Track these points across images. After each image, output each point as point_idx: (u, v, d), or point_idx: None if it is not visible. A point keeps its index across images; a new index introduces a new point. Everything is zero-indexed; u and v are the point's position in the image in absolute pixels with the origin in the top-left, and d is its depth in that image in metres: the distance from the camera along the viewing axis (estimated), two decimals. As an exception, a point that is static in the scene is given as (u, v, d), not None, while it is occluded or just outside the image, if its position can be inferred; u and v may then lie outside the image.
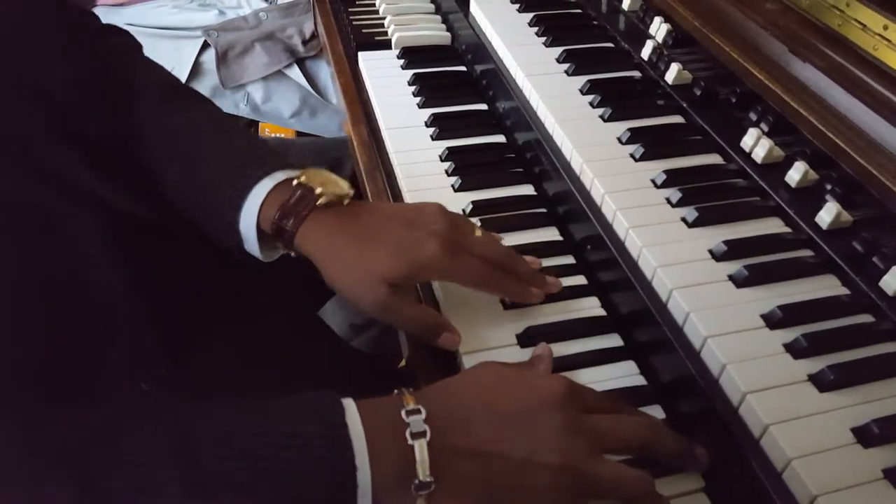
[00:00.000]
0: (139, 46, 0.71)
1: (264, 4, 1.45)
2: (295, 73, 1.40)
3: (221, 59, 1.37)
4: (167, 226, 0.60)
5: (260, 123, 1.49)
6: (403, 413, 0.44)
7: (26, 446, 0.37)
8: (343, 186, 0.57)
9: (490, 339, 0.57)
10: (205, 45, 1.38)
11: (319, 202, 0.55)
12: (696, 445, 0.49)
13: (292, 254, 0.58)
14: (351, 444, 0.41)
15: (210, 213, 0.58)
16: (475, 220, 0.67)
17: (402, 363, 0.78)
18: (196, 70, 1.39)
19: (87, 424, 0.40)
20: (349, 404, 0.44)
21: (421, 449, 0.42)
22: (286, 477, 0.40)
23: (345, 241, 0.55)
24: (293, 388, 0.44)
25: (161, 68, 0.69)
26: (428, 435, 0.43)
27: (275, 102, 1.42)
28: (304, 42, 1.39)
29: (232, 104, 1.42)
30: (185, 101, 0.65)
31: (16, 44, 0.49)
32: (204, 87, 1.40)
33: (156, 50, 1.34)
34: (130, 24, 1.37)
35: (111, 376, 0.45)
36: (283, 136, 1.48)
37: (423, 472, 0.42)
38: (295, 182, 0.56)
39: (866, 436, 0.44)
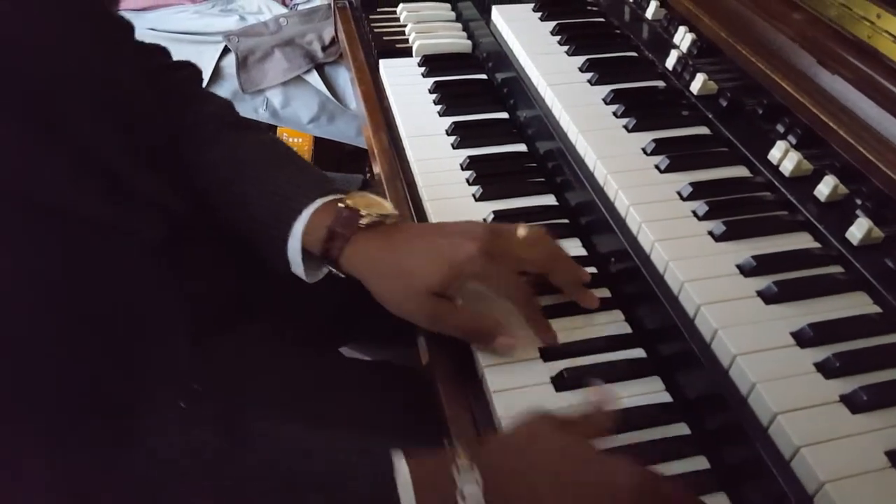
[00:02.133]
0: (200, 79, 0.76)
1: (285, 10, 1.46)
2: (314, 78, 1.40)
3: (241, 64, 1.38)
4: (210, 238, 0.62)
5: (278, 128, 1.50)
6: (455, 470, 0.42)
7: (57, 461, 0.37)
8: (387, 207, 0.59)
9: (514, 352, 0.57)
10: (225, 50, 1.39)
11: (363, 223, 0.57)
12: None
13: (342, 275, 0.59)
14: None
15: (260, 243, 0.61)
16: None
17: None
18: (216, 74, 1.40)
19: (128, 434, 0.40)
20: (400, 462, 0.42)
21: None
22: None
23: (387, 258, 0.56)
24: (322, 403, 0.44)
25: (219, 101, 0.72)
26: (479, 499, 0.41)
27: (293, 108, 1.43)
28: (324, 48, 1.40)
29: (251, 109, 1.42)
30: (239, 133, 0.68)
31: (96, 67, 0.51)
32: (224, 91, 1.40)
33: (177, 54, 1.35)
34: (152, 29, 1.39)
35: (151, 390, 0.45)
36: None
37: None
38: (341, 204, 0.58)
39: (901, 459, 0.43)
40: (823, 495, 0.42)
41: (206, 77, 1.39)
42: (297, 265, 0.59)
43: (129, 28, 0.67)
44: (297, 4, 1.48)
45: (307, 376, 0.64)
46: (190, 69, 0.75)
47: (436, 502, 0.41)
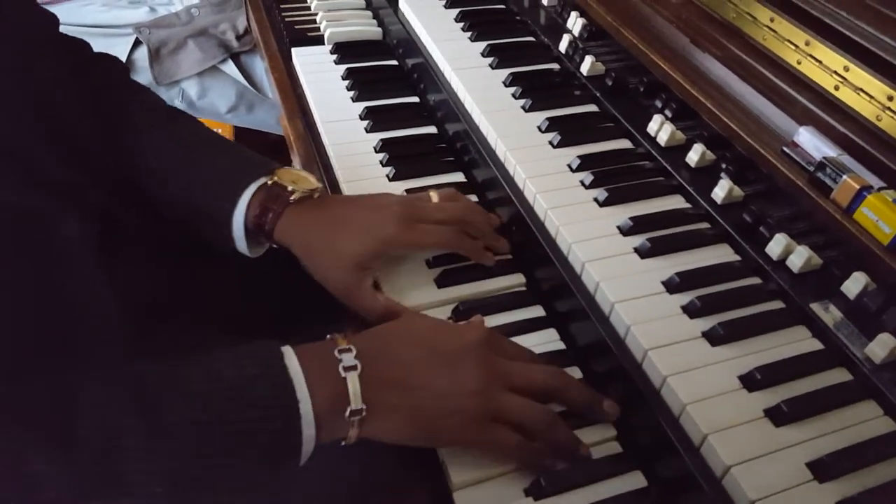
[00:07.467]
0: (127, 70, 0.77)
1: (196, 0, 1.45)
2: (230, 68, 1.40)
3: (154, 56, 1.36)
4: (141, 225, 0.64)
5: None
6: (336, 352, 0.49)
7: None
8: (312, 181, 0.64)
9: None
10: (137, 43, 1.37)
11: (293, 198, 0.61)
12: (603, 397, 0.55)
13: (275, 246, 0.64)
14: (291, 381, 0.47)
15: (208, 224, 0.64)
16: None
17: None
18: (129, 68, 1.38)
19: (46, 382, 0.43)
20: (287, 349, 0.49)
21: (353, 381, 0.48)
22: (236, 415, 0.46)
23: (317, 231, 0.62)
24: None
25: (149, 92, 0.75)
26: (359, 368, 0.49)
27: (211, 98, 1.42)
28: (238, 37, 1.40)
29: (167, 101, 1.41)
30: (176, 122, 0.71)
31: (26, 60, 0.54)
32: (137, 84, 1.38)
33: (85, 48, 1.33)
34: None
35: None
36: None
37: (355, 401, 0.48)
38: (269, 182, 0.62)
39: (750, 381, 0.51)
40: (686, 415, 0.49)
41: (118, 70, 1.36)
42: (241, 243, 0.64)
43: (52, 21, 0.68)
44: (209, -6, 1.47)
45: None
46: (114, 61, 0.76)
47: (323, 382, 0.48)
